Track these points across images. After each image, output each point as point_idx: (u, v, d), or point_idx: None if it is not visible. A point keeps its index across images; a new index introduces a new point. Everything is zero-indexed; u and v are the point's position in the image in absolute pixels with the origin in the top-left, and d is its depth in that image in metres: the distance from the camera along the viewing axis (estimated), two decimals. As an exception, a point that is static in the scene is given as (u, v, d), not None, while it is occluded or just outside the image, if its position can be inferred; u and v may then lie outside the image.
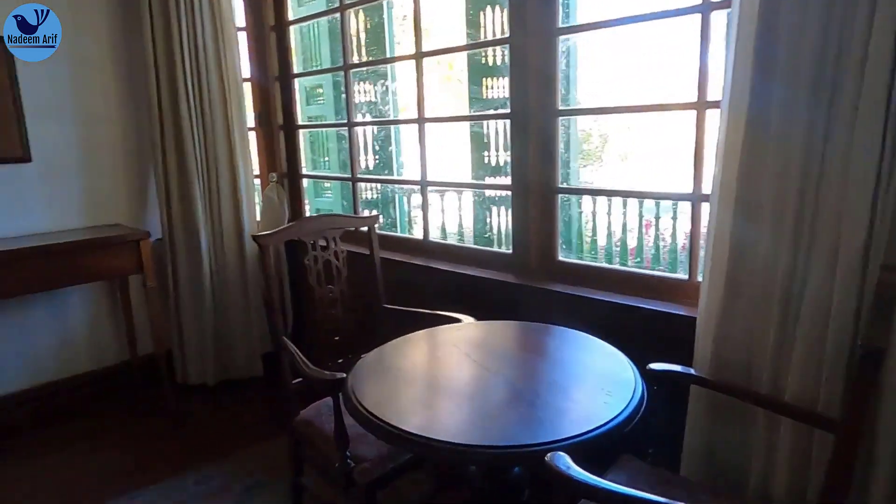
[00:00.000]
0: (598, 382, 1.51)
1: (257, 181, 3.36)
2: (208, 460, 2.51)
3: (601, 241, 4.77)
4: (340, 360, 2.12)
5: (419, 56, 2.57)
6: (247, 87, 3.24)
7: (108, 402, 3.05)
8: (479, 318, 2.02)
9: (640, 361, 1.56)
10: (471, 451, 1.21)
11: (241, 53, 3.11)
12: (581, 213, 4.67)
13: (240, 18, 3.19)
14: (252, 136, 3.29)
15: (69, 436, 2.77)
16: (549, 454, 0.99)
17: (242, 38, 3.18)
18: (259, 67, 3.26)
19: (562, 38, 2.14)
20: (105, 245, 2.76)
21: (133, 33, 2.96)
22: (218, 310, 3.16)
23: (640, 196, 3.81)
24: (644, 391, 1.44)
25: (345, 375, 1.56)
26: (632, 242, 4.63)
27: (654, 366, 1.56)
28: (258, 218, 3.30)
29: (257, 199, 3.36)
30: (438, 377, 1.63)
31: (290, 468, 2.01)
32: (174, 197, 3.01)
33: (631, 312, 1.91)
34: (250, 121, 3.28)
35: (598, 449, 1.24)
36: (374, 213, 4.08)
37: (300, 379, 1.93)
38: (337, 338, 2.14)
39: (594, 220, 4.75)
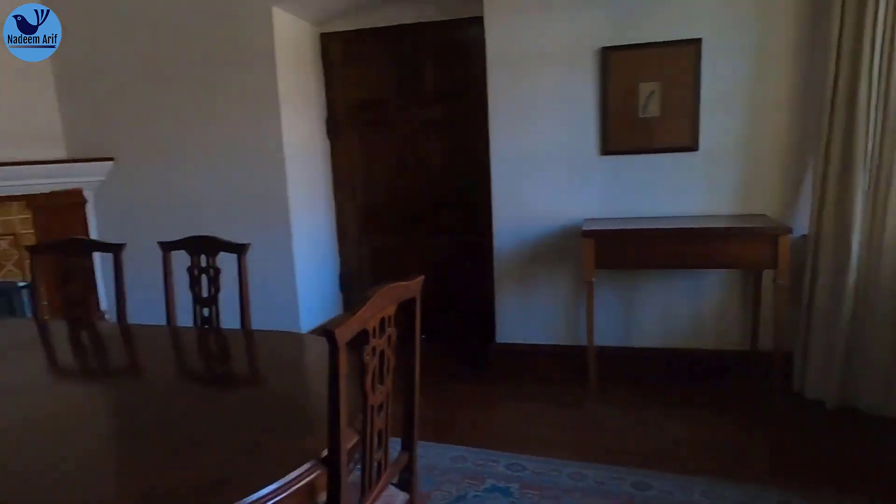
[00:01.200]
0: None
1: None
2: (803, 489, 2.25)
3: None
4: None
5: None
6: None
7: (721, 382, 3.15)
8: None
9: None
10: None
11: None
12: None
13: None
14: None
15: (683, 399, 3.04)
16: None
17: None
18: None
19: None
20: (746, 235, 2.80)
21: (820, 14, 2.78)
22: (857, 325, 2.72)
23: None
24: None
25: None
26: None
27: None
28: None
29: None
30: None
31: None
32: (829, 191, 2.73)
33: None
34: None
35: None
36: None
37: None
38: None
39: None
